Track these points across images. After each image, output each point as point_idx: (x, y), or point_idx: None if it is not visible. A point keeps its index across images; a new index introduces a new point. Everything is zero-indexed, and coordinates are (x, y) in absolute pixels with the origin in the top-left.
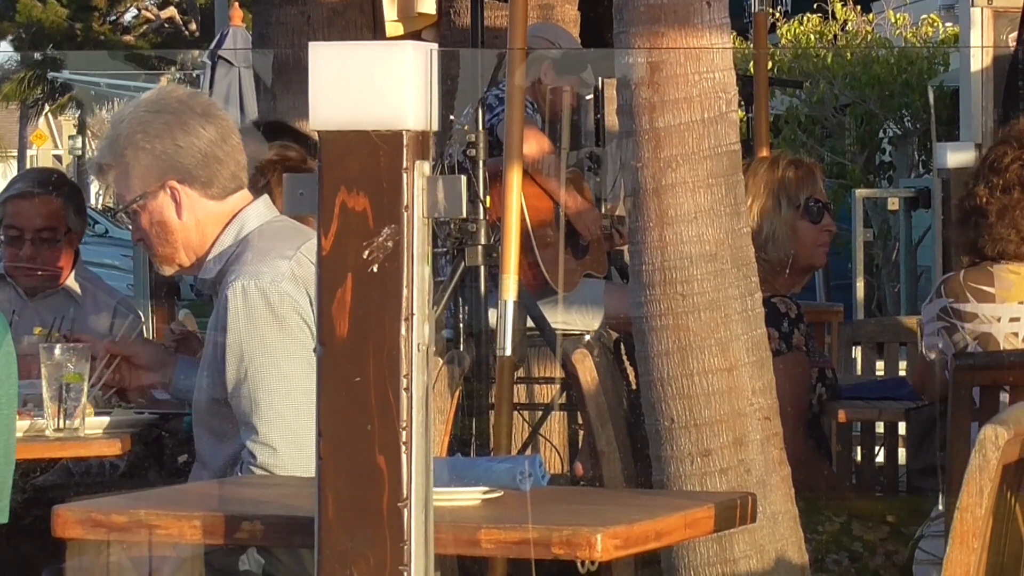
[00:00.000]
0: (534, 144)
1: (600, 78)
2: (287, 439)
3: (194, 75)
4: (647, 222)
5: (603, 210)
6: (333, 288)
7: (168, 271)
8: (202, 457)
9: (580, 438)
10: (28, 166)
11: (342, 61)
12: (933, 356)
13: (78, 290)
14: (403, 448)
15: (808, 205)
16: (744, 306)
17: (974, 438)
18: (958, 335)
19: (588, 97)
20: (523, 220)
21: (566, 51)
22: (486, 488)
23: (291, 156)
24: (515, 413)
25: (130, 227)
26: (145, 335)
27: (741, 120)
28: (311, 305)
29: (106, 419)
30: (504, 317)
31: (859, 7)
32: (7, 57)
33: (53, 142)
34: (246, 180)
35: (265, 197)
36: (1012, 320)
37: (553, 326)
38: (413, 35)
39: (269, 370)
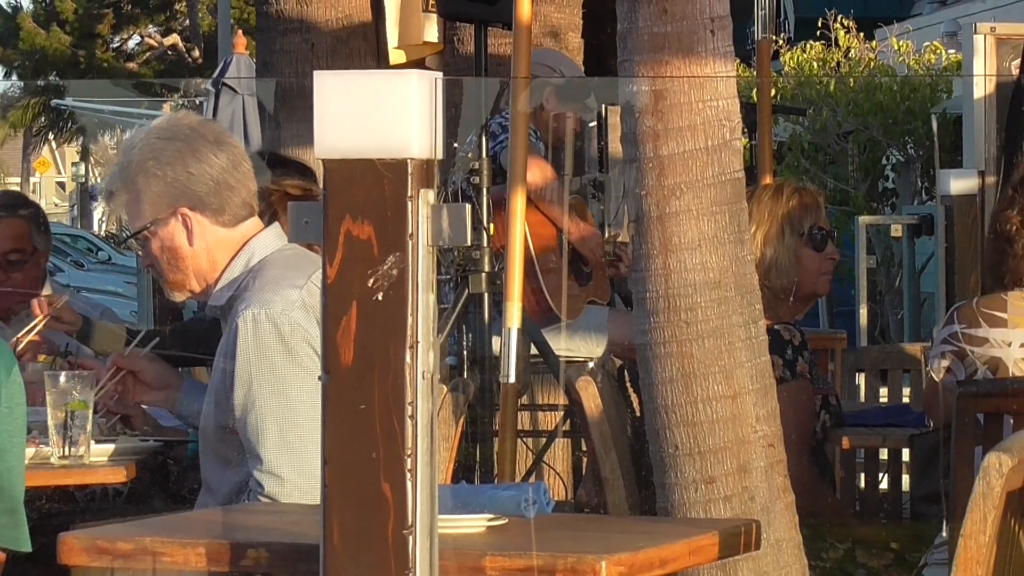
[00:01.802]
0: (537, 172)
1: (603, 105)
2: (294, 469)
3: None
4: (651, 250)
5: (606, 235)
6: (338, 316)
7: (179, 297)
8: (208, 483)
9: (584, 465)
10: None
11: (347, 90)
12: (939, 379)
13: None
14: (408, 476)
15: (812, 233)
16: (748, 334)
17: (978, 465)
18: (968, 360)
19: (591, 124)
20: (526, 247)
21: (569, 79)
22: (490, 515)
23: (293, 185)
24: (519, 440)
25: (139, 253)
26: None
27: (744, 147)
28: None
29: (111, 446)
30: (508, 344)
31: (862, 34)
32: (10, 84)
33: (56, 169)
34: (257, 207)
35: (276, 225)
36: (1023, 346)
37: (557, 353)
38: (416, 63)
39: (277, 400)
